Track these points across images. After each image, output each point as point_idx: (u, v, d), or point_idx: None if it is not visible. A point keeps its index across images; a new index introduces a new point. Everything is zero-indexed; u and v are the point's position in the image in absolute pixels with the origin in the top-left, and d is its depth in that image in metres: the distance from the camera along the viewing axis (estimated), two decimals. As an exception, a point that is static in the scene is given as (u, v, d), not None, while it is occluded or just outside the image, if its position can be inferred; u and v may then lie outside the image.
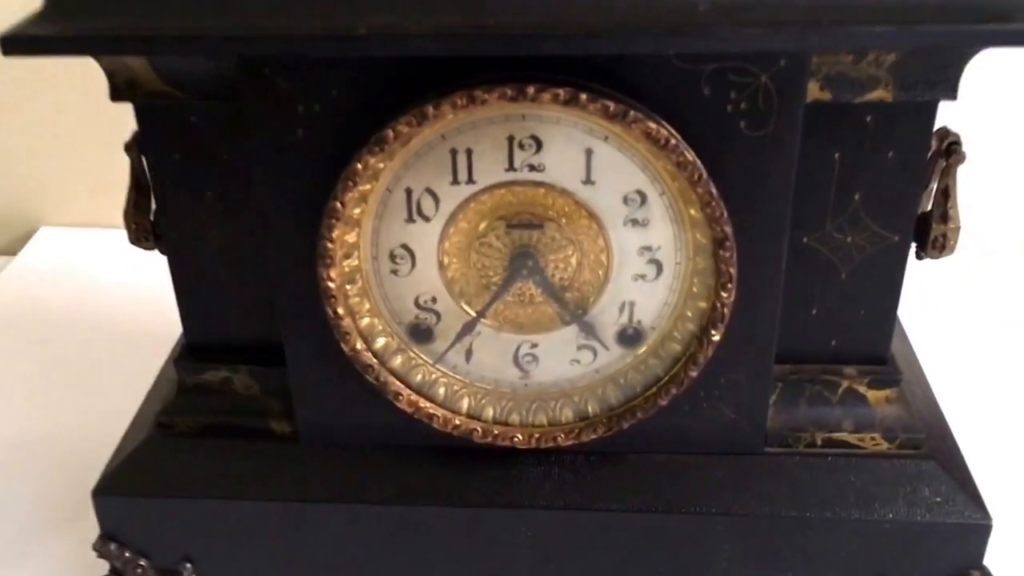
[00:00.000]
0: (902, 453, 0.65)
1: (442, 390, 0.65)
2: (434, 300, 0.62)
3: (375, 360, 0.63)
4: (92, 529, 0.73)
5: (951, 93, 0.56)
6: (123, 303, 1.08)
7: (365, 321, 0.63)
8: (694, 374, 0.61)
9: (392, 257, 0.61)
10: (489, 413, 0.65)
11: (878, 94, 0.56)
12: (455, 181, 0.58)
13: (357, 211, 0.59)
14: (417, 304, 0.63)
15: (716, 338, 0.60)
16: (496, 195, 0.59)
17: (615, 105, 0.53)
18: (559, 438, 0.64)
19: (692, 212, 0.57)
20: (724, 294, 0.58)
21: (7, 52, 0.52)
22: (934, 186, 0.66)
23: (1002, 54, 0.57)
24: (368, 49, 0.52)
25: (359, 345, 0.62)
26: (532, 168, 0.58)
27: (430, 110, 0.54)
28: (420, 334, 0.63)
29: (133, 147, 0.65)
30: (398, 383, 0.63)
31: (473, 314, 0.62)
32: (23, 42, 0.51)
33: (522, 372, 0.64)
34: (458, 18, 0.52)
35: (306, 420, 0.67)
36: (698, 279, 0.60)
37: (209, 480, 0.68)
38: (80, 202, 1.21)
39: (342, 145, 0.56)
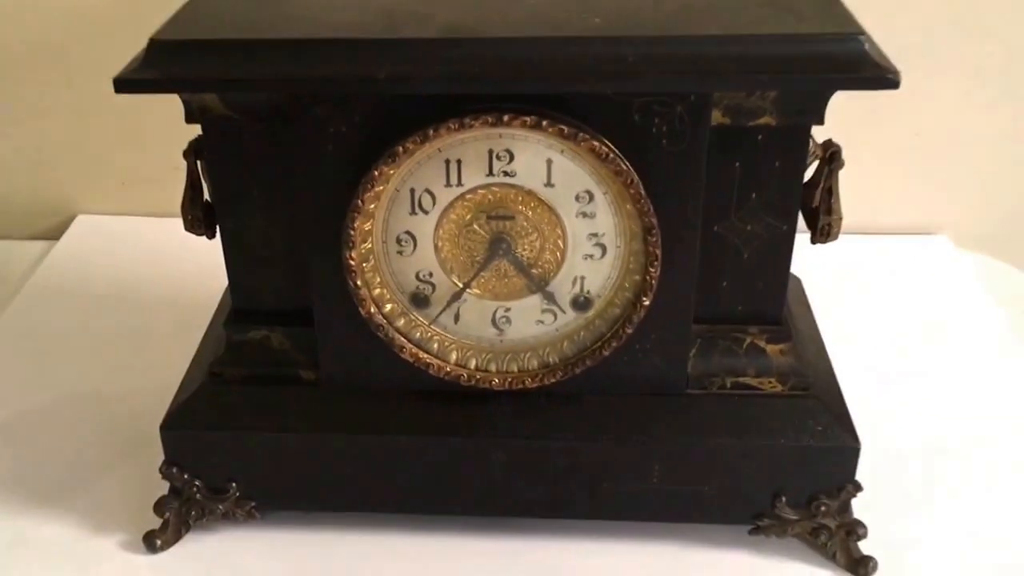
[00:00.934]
0: (793, 393, 0.84)
1: (436, 345, 0.83)
2: (430, 275, 0.81)
3: (384, 321, 0.81)
4: (145, 463, 0.91)
5: (819, 119, 0.74)
6: (152, 281, 1.23)
7: (377, 291, 0.81)
8: (630, 331, 0.79)
9: (398, 241, 0.79)
10: (473, 363, 0.83)
11: (765, 120, 0.74)
12: (448, 183, 0.76)
13: (372, 206, 0.77)
14: (417, 278, 0.81)
15: (647, 303, 0.78)
16: (479, 194, 0.77)
17: (568, 128, 0.71)
18: (527, 382, 0.82)
19: (627, 207, 0.76)
20: (652, 270, 0.77)
21: (118, 90, 0.70)
22: (822, 186, 0.86)
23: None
24: (384, 88, 0.70)
25: (372, 309, 0.80)
26: (506, 174, 0.76)
27: (430, 132, 0.72)
28: (419, 301, 0.82)
29: (190, 153, 0.83)
30: (402, 338, 0.81)
31: (460, 285, 0.80)
32: (131, 83, 0.69)
33: (498, 331, 0.82)
34: (452, 67, 0.70)
35: (328, 369, 0.85)
36: (633, 258, 0.78)
37: (250, 417, 0.85)
38: (112, 193, 1.36)
39: (363, 157, 0.74)
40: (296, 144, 0.75)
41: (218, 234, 0.83)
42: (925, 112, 1.26)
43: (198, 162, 0.82)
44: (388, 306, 0.81)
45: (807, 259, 1.13)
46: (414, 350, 0.82)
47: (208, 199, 0.83)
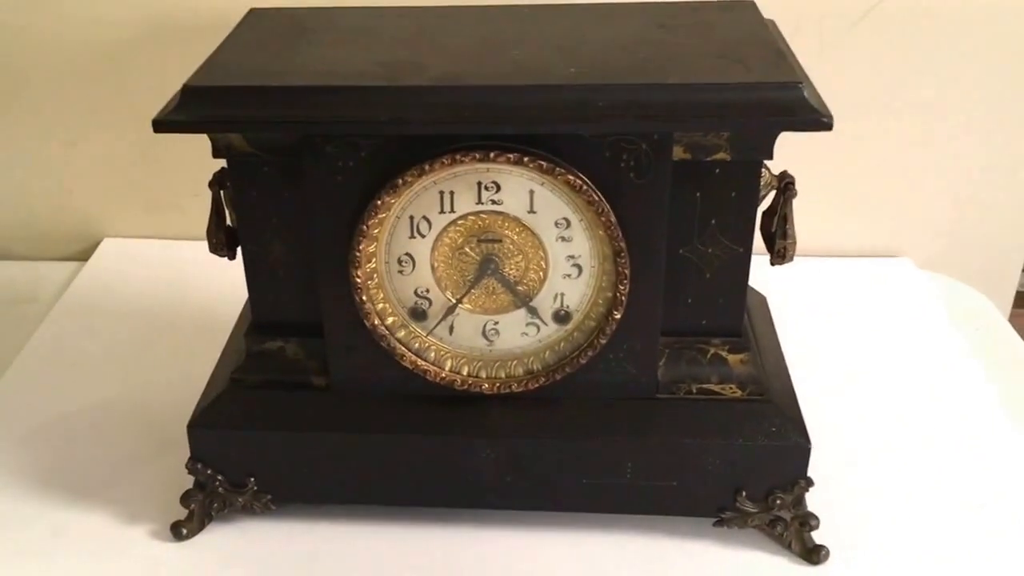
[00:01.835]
0: (751, 399, 0.94)
1: (432, 354, 0.93)
2: (427, 291, 0.91)
3: (387, 332, 0.91)
4: (172, 461, 1.01)
5: (768, 155, 0.85)
6: (174, 299, 1.33)
7: (380, 305, 0.91)
8: (604, 342, 0.89)
9: (399, 262, 0.89)
10: (465, 370, 0.93)
11: (721, 155, 0.84)
12: (442, 211, 0.87)
13: (376, 231, 0.87)
14: (416, 294, 0.91)
15: (618, 317, 0.88)
16: (470, 220, 0.87)
17: (547, 164, 0.82)
18: (513, 386, 0.92)
19: (600, 232, 0.86)
20: (622, 287, 0.87)
21: (156, 131, 0.80)
22: (777, 213, 0.96)
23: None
24: (385, 130, 0.81)
25: (376, 321, 0.90)
26: (493, 202, 0.86)
27: (426, 166, 0.82)
28: (418, 315, 0.92)
29: (214, 184, 0.93)
30: (402, 348, 0.92)
31: (454, 301, 0.91)
32: (167, 124, 0.80)
33: (488, 342, 0.93)
34: (444, 111, 0.80)
35: (337, 376, 0.95)
36: (606, 277, 0.88)
37: (266, 419, 0.95)
38: (137, 217, 1.46)
39: (368, 188, 0.84)
40: (309, 177, 0.85)
41: (239, 255, 0.93)
42: (889, 141, 1.36)
43: (221, 191, 0.93)
44: (390, 319, 0.91)
45: (776, 280, 1.24)
46: (413, 358, 0.92)
47: (230, 224, 0.93)
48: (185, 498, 0.98)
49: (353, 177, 0.85)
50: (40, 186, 1.45)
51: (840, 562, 0.95)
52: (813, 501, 0.96)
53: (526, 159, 0.81)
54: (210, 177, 0.92)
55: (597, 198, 0.83)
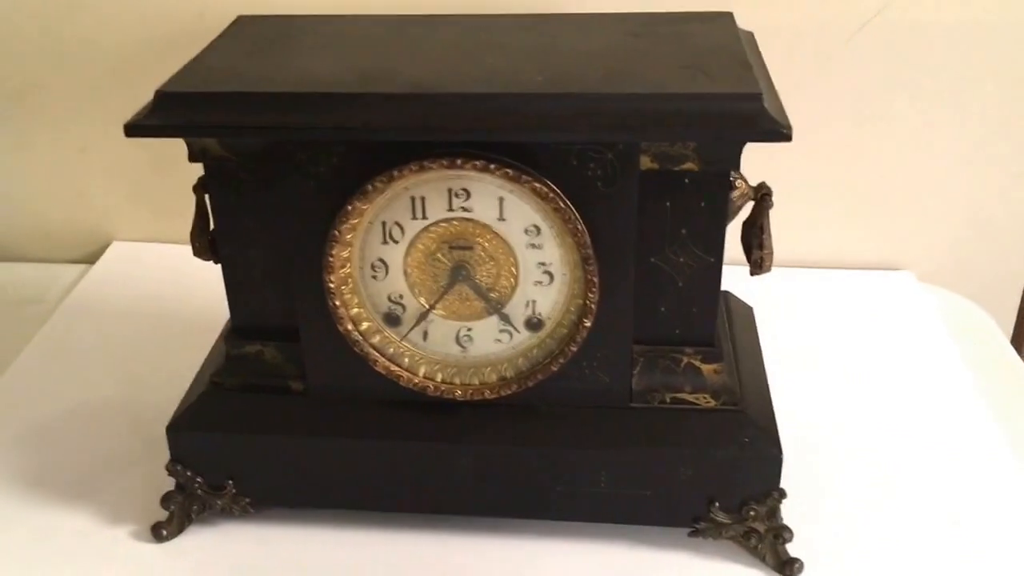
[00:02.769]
0: (724, 408, 0.94)
1: (407, 359, 0.94)
2: (401, 297, 0.92)
3: (361, 337, 0.92)
4: (158, 463, 1.02)
5: (735, 164, 0.85)
6: (176, 302, 1.35)
7: (355, 311, 0.92)
8: (575, 349, 0.90)
9: (372, 267, 0.90)
10: (439, 376, 0.94)
11: (688, 166, 0.84)
12: (414, 217, 0.88)
13: (349, 236, 0.88)
14: (389, 300, 0.92)
15: (588, 325, 0.88)
16: (442, 227, 0.88)
17: (513, 171, 0.82)
18: (486, 393, 0.93)
19: (569, 240, 0.86)
20: (591, 295, 0.87)
21: (128, 135, 0.82)
22: (755, 224, 0.96)
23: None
24: (355, 136, 0.82)
25: (350, 327, 0.91)
26: (464, 209, 0.87)
27: (395, 172, 0.83)
28: (392, 320, 0.93)
29: (198, 188, 0.95)
30: (376, 353, 0.92)
31: (427, 306, 0.91)
32: (138, 128, 0.82)
33: (462, 348, 0.93)
34: (414, 118, 0.81)
35: (313, 380, 0.96)
36: (577, 285, 0.89)
37: (245, 422, 0.96)
38: (145, 221, 1.48)
39: (339, 194, 0.85)
40: (282, 183, 0.87)
41: (222, 259, 0.95)
42: (893, 152, 1.35)
43: (206, 196, 0.94)
44: (365, 324, 0.92)
45: (774, 291, 1.26)
46: (387, 364, 0.93)
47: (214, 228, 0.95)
48: (165, 500, 0.99)
49: (325, 183, 0.86)
50: (53, 190, 1.48)
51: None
52: (793, 513, 0.95)
53: (493, 166, 0.82)
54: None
55: (564, 205, 0.83)
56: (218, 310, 1.24)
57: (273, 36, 0.96)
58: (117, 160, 1.45)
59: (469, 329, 0.92)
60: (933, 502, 1.02)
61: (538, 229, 0.87)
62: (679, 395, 0.94)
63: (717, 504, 0.94)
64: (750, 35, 0.95)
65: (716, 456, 0.92)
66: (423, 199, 0.87)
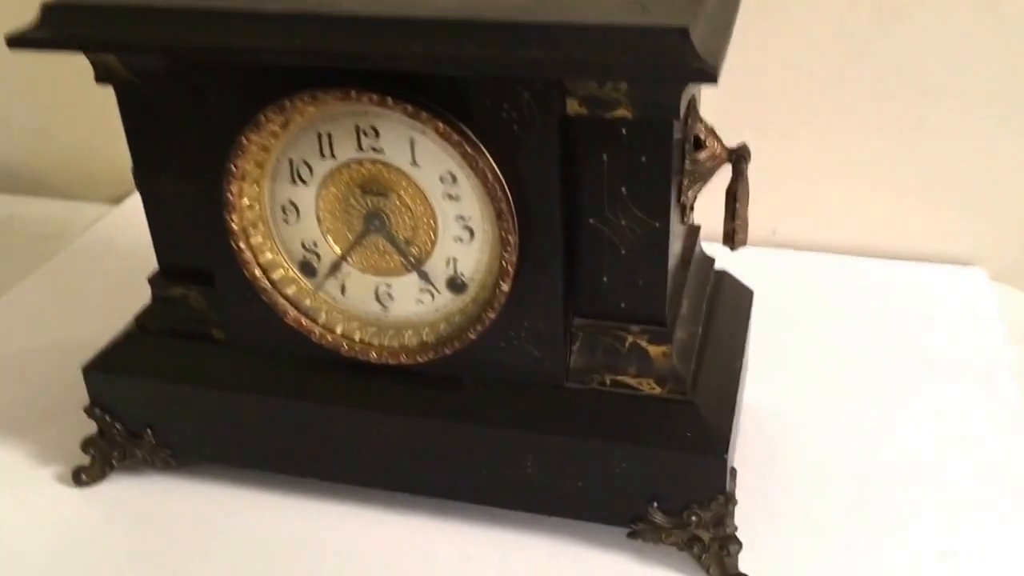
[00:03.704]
0: (670, 397, 0.82)
1: (324, 315, 0.86)
2: (315, 244, 0.83)
3: (270, 285, 0.84)
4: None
5: (674, 113, 0.72)
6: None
7: (269, 256, 0.84)
8: (492, 316, 0.79)
9: (283, 210, 0.82)
10: (357, 335, 0.85)
11: (621, 112, 0.73)
12: (322, 156, 0.79)
13: (257, 172, 0.81)
14: (304, 247, 0.84)
15: (505, 289, 0.78)
16: (353, 168, 0.79)
17: (413, 107, 0.73)
18: (402, 358, 0.84)
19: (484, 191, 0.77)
20: (506, 255, 0.77)
21: (10, 46, 0.76)
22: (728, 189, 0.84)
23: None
24: (237, 58, 0.74)
25: (257, 273, 0.84)
26: (375, 150, 0.78)
27: (287, 103, 0.75)
28: (307, 269, 0.85)
29: (136, 118, 0.89)
30: (286, 303, 0.85)
31: (339, 255, 0.83)
32: (23, 41, 0.76)
33: (383, 307, 0.84)
34: (303, 41, 0.72)
35: (230, 330, 0.89)
36: (499, 244, 0.79)
37: (163, 369, 0.90)
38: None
39: (239, 125, 0.78)
40: (184, 109, 0.79)
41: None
42: (973, 136, 1.19)
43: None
44: (278, 272, 0.84)
45: (834, 277, 1.21)
46: (297, 316, 0.85)
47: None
48: (85, 445, 0.95)
49: (224, 111, 0.78)
50: (85, 127, 1.46)
51: (766, 595, 0.82)
52: (751, 524, 0.83)
53: (390, 100, 0.73)
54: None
55: (471, 151, 0.73)
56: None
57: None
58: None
59: (389, 286, 0.83)
60: (930, 532, 0.87)
61: (454, 177, 0.77)
62: (620, 378, 0.83)
63: (656, 504, 0.82)
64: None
65: (655, 450, 0.80)
66: (330, 136, 0.78)
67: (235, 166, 0.78)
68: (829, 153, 1.24)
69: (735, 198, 0.83)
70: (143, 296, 1.19)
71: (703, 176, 0.83)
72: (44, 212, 1.45)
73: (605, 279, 0.81)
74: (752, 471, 0.91)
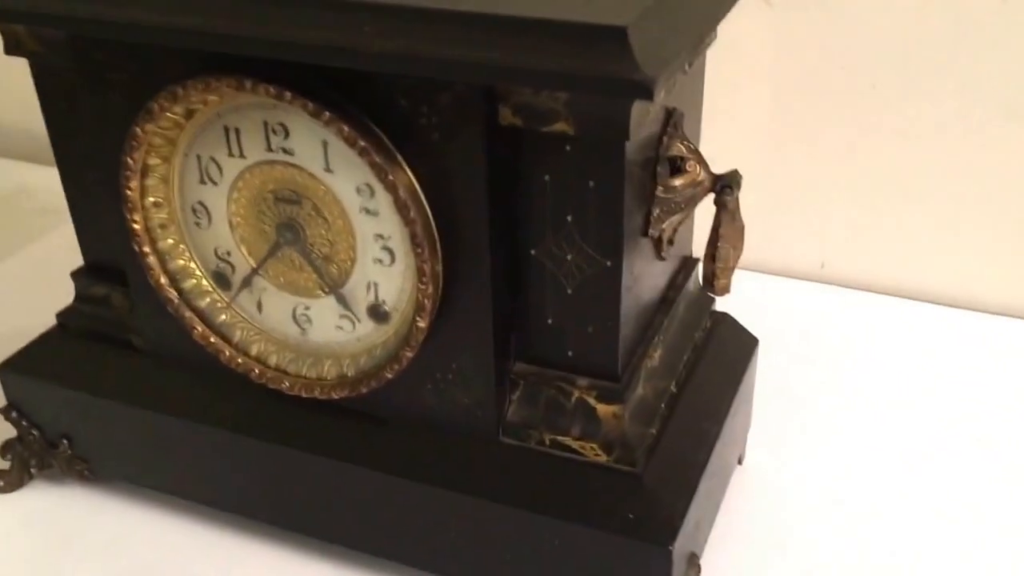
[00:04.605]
0: (615, 467, 0.69)
1: (239, 333, 0.75)
2: (228, 254, 0.73)
3: (175, 295, 0.74)
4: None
5: (624, 135, 0.59)
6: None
7: (180, 263, 0.74)
8: (410, 355, 0.68)
9: (194, 212, 0.72)
10: (273, 360, 0.75)
11: (561, 126, 0.60)
12: (231, 154, 0.69)
13: (164, 168, 0.71)
14: (217, 255, 0.73)
15: (422, 325, 0.66)
16: (264, 170, 0.68)
17: (313, 105, 0.61)
18: (316, 391, 0.73)
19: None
20: (422, 286, 0.65)
21: None
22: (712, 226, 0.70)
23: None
24: (122, 35, 0.63)
25: (163, 280, 0.74)
26: (285, 151, 0.67)
27: (180, 91, 0.65)
28: (221, 280, 0.74)
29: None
30: (194, 317, 0.74)
31: (252, 267, 0.72)
32: None
33: (301, 329, 0.73)
34: (190, 20, 0.61)
35: (145, 338, 0.80)
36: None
37: (81, 376, 0.81)
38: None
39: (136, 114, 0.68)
40: (84, 91, 0.70)
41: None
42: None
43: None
44: (190, 282, 0.74)
45: (883, 319, 1.07)
46: (206, 332, 0.75)
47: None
48: (4, 448, 0.87)
49: (125, 95, 0.68)
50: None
51: None
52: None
53: (288, 95, 0.62)
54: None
55: (379, 160, 0.62)
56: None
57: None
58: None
59: (307, 308, 0.72)
60: None
61: (372, 190, 0.65)
62: (561, 439, 0.70)
63: (593, 592, 0.69)
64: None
65: (591, 530, 0.68)
66: (237, 131, 0.67)
67: (132, 159, 0.68)
68: (890, 179, 1.08)
69: (718, 235, 0.69)
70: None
71: (681, 206, 0.69)
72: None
73: (550, 320, 0.68)
74: (740, 558, 0.77)
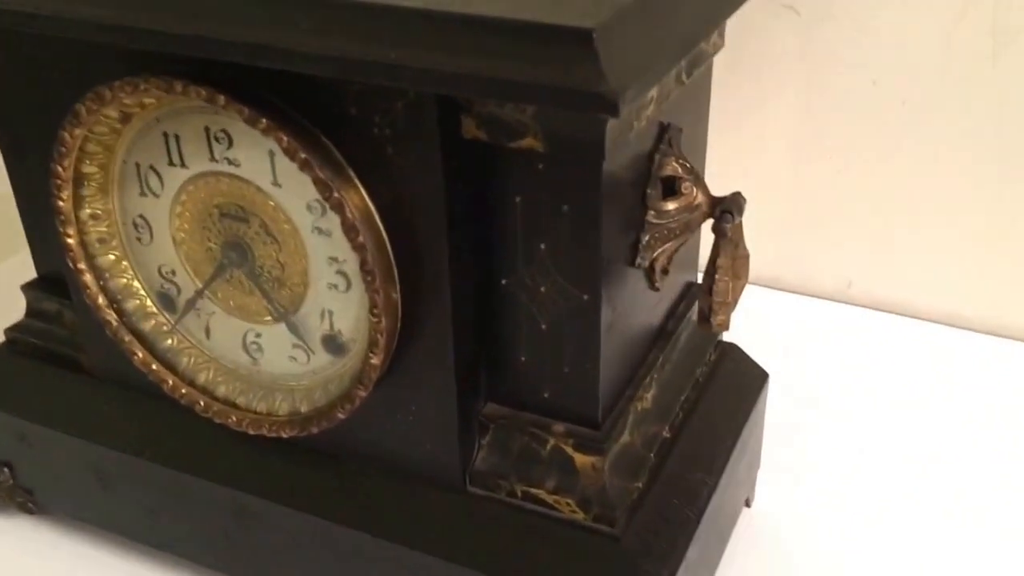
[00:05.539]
0: (593, 526, 0.61)
1: (185, 359, 0.68)
2: (173, 273, 0.66)
3: (114, 316, 0.67)
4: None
5: (599, 154, 0.51)
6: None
7: (121, 281, 0.67)
8: (363, 394, 0.60)
9: (135, 226, 0.65)
10: (222, 391, 0.67)
11: (528, 142, 0.52)
12: (171, 162, 0.61)
13: (102, 177, 0.64)
14: (160, 274, 0.66)
15: (375, 362, 0.59)
16: (210, 182, 0.61)
17: (249, 111, 0.54)
18: (264, 428, 0.65)
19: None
20: (374, 319, 0.57)
21: None
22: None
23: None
24: (44, 28, 0.56)
25: (100, 300, 0.66)
26: (230, 162, 0.60)
27: (108, 93, 0.58)
28: (166, 301, 0.67)
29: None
30: (135, 341, 0.67)
31: (196, 289, 0.65)
32: None
33: (251, 358, 0.66)
34: (113, 11, 0.54)
35: (90, 360, 0.73)
36: (377, 299, 0.59)
37: (24, 399, 0.75)
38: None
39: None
40: (8, 85, 0.63)
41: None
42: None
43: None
44: (132, 303, 0.67)
45: (910, 343, 0.99)
46: (147, 358, 0.68)
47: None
48: (-52, 471, 0.80)
49: (54, 95, 0.61)
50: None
51: None
52: None
53: (221, 98, 0.54)
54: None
55: (323, 175, 0.54)
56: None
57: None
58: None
59: (258, 335, 0.65)
60: None
61: (323, 207, 0.58)
62: (534, 491, 0.62)
63: (558, 666, 0.61)
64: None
65: (564, 602, 0.60)
66: (177, 138, 0.60)
67: (61, 167, 0.62)
68: (920, 195, 0.99)
69: (716, 267, 0.61)
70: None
71: (675, 232, 0.61)
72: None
73: (523, 358, 0.61)
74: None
